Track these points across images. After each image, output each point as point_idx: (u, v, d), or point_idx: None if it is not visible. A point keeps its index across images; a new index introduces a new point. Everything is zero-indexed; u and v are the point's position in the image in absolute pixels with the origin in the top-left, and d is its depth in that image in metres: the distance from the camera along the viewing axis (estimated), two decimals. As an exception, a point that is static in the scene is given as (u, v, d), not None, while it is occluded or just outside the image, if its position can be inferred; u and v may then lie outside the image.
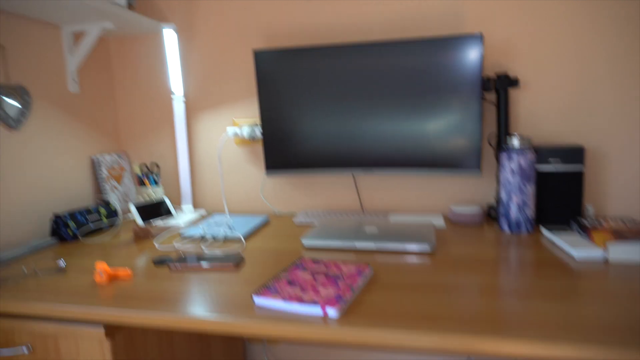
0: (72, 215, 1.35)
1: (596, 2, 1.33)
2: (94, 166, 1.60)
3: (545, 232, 1.21)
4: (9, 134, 1.27)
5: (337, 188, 1.61)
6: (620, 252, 1.00)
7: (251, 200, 1.69)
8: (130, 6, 1.52)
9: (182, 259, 1.09)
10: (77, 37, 1.53)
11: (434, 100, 1.34)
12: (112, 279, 1.01)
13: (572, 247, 1.05)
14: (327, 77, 1.40)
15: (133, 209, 1.33)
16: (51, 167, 1.42)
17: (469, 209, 1.37)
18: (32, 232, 1.35)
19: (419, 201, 1.56)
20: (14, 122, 1.28)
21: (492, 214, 1.41)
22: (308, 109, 1.43)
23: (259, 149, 1.65)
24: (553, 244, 1.14)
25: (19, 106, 1.29)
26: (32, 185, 1.35)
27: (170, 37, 1.55)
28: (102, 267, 1.00)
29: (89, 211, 1.41)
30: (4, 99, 1.24)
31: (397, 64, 1.35)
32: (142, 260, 1.14)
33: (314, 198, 1.64)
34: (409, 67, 1.34)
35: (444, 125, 1.35)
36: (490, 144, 1.46)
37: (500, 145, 1.38)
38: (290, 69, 1.42)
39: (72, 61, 1.49)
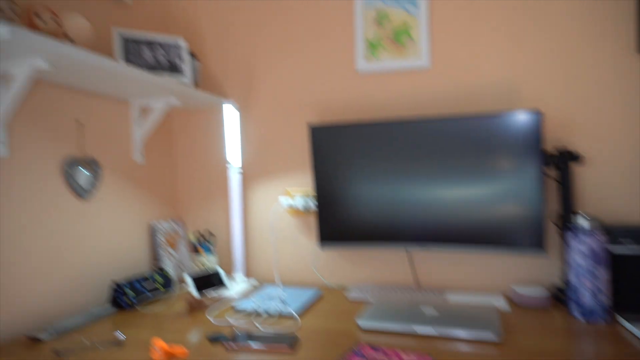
0: (131, 284, 1.37)
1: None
2: (152, 232, 1.65)
3: (624, 322, 1.11)
4: (78, 203, 1.34)
5: (390, 261, 1.57)
6: None
7: (303, 271, 1.67)
8: (195, 83, 1.62)
9: (236, 336, 1.07)
10: (144, 111, 1.63)
11: (492, 176, 1.31)
12: (169, 356, 1.00)
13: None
14: (381, 152, 1.41)
15: (189, 280, 1.34)
16: (112, 233, 1.48)
17: (535, 291, 1.29)
18: (91, 299, 1.38)
19: (478, 278, 1.49)
20: (84, 192, 1.35)
21: (560, 297, 1.32)
22: (361, 182, 1.44)
23: (312, 220, 1.65)
24: (635, 337, 1.04)
25: (90, 177, 1.37)
26: (94, 252, 1.40)
27: (229, 112, 1.63)
28: (159, 344, 0.99)
29: (145, 279, 1.43)
30: (78, 171, 1.32)
31: (452, 139, 1.34)
32: (196, 335, 1.12)
33: (367, 271, 1.60)
34: (465, 143, 1.33)
35: (502, 202, 1.31)
36: (554, 223, 1.40)
37: (565, 224, 1.31)
38: (344, 142, 1.44)
39: (138, 133, 1.58)
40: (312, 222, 1.65)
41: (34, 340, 1.10)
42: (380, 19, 1.53)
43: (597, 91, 1.37)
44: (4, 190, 1.12)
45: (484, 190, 1.32)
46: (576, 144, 1.39)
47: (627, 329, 1.10)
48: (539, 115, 1.25)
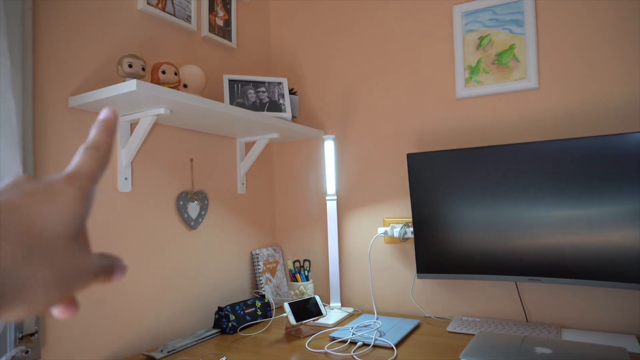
0: (233, 309, 1.45)
1: None
2: (253, 260, 1.73)
3: None
4: (189, 233, 1.46)
5: (496, 292, 1.46)
6: None
7: (400, 300, 1.63)
8: (293, 118, 1.70)
9: (334, 366, 1.07)
10: (248, 145, 1.75)
11: (614, 201, 1.17)
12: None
13: None
14: (483, 176, 1.34)
15: (287, 308, 1.38)
16: (217, 261, 1.58)
17: (674, 333, 1.11)
18: (199, 322, 1.47)
19: (602, 316, 1.32)
20: (194, 223, 1.47)
21: None
22: (462, 208, 1.38)
23: (410, 248, 1.61)
24: None
25: (199, 208, 1.49)
26: (201, 279, 1.50)
27: (329, 144, 1.68)
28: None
29: (246, 304, 1.50)
30: (189, 204, 1.45)
31: (566, 163, 1.23)
32: (294, 363, 1.14)
33: (469, 303, 1.51)
34: (582, 164, 1.21)
35: (628, 230, 1.16)
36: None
37: None
38: (443, 170, 1.40)
39: (242, 167, 1.70)
40: (411, 250, 1.61)
41: (150, 359, 1.20)
42: (482, 42, 1.49)
43: None
44: (126, 222, 1.27)
45: (605, 218, 1.19)
46: None
47: None
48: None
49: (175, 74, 1.23)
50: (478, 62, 1.49)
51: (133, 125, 1.28)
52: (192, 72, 1.31)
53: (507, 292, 1.44)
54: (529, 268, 1.29)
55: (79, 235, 0.29)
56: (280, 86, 1.61)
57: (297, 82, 1.88)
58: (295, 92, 1.75)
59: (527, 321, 1.40)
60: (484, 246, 1.35)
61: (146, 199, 1.32)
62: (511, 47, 1.44)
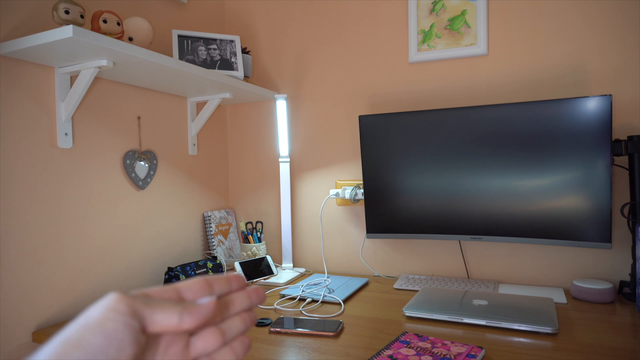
0: (183, 269, 1.44)
1: None
2: (205, 222, 1.71)
3: (700, 320, 1.01)
4: (136, 193, 1.42)
5: (441, 252, 1.53)
6: None
7: (350, 261, 1.67)
8: (245, 77, 1.66)
9: (281, 321, 1.09)
10: (200, 105, 1.70)
11: (554, 163, 1.24)
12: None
13: None
14: (434, 141, 1.38)
15: (238, 267, 1.38)
16: (167, 222, 1.55)
17: (597, 285, 1.21)
18: (147, 283, 1.46)
19: (534, 272, 1.41)
20: (142, 183, 1.43)
21: (626, 292, 1.23)
22: (412, 172, 1.41)
23: (361, 210, 1.65)
24: None
25: (147, 168, 1.45)
26: (150, 239, 1.48)
27: (281, 104, 1.66)
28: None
29: (197, 265, 1.49)
30: (137, 163, 1.40)
31: (512, 127, 1.28)
32: (244, 320, 1.15)
33: (415, 261, 1.57)
34: (526, 131, 1.27)
35: (565, 192, 1.23)
36: (624, 214, 1.30)
37: (636, 215, 1.22)
38: (394, 132, 1.42)
39: (193, 127, 1.65)
40: (361, 212, 1.65)
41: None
42: (435, 7, 1.49)
43: (669, 70, 1.25)
44: (67, 178, 1.21)
45: (545, 180, 1.25)
46: (646, 129, 1.28)
47: (703, 327, 1.00)
48: (609, 101, 1.16)
49: (118, 24, 1.16)
50: (431, 26, 1.50)
51: (73, 78, 1.21)
52: (138, 25, 1.24)
53: (452, 251, 1.51)
54: (471, 228, 1.35)
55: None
56: (233, 44, 1.56)
57: (251, 41, 1.83)
58: (249, 52, 1.71)
59: (469, 278, 1.48)
60: (430, 207, 1.40)
61: (89, 157, 1.27)
62: (463, 13, 1.46)
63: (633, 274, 1.20)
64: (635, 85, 1.29)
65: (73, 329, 0.28)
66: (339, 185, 1.66)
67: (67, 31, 0.94)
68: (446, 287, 1.36)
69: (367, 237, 1.50)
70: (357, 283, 1.43)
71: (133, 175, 1.39)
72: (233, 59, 1.55)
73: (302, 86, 1.73)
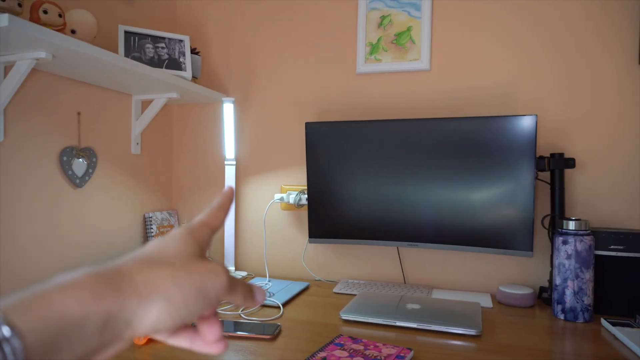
0: (121, 271, 1.40)
1: (653, 83, 1.31)
2: (146, 223, 1.67)
3: (605, 324, 1.12)
4: (73, 191, 1.37)
5: (380, 258, 1.59)
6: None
7: (293, 265, 1.69)
8: (194, 78, 1.65)
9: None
10: (145, 104, 1.66)
11: (484, 178, 1.32)
12: (149, 340, 1.02)
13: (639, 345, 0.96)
14: (375, 150, 1.43)
15: (178, 268, 1.36)
16: (106, 222, 1.50)
17: (519, 290, 1.30)
18: (82, 285, 1.40)
19: (465, 278, 1.50)
20: (80, 181, 1.38)
21: (544, 297, 1.33)
22: (355, 179, 1.45)
23: (304, 215, 1.67)
24: (615, 338, 1.05)
25: (86, 166, 1.40)
26: (86, 239, 1.43)
27: (228, 107, 1.65)
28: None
29: (137, 268, 1.46)
30: (74, 160, 1.35)
31: (447, 141, 1.36)
32: (181, 323, 1.14)
33: (356, 267, 1.61)
34: (459, 144, 1.34)
35: (494, 203, 1.32)
36: (544, 225, 1.41)
37: (555, 226, 1.32)
38: (339, 140, 1.46)
39: (137, 126, 1.61)
40: (305, 217, 1.67)
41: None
42: (383, 21, 1.55)
43: (592, 98, 1.38)
44: None
45: (476, 192, 1.34)
46: (572, 150, 1.40)
47: (606, 329, 1.10)
48: (534, 120, 1.26)
49: (60, 15, 1.12)
50: (378, 40, 1.56)
51: (8, 69, 1.15)
52: (82, 18, 1.20)
53: (390, 257, 1.57)
54: (409, 235, 1.41)
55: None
56: (182, 44, 1.55)
57: (201, 42, 1.81)
58: (198, 53, 1.69)
59: (405, 283, 1.55)
60: (371, 214, 1.45)
61: (22, 151, 1.21)
62: (408, 29, 1.53)
63: (550, 280, 1.31)
64: (559, 107, 1.41)
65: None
66: (284, 190, 1.68)
67: (3, 20, 0.90)
68: (383, 291, 1.41)
69: (310, 242, 1.53)
70: (298, 287, 1.45)
71: (70, 172, 1.34)
72: (182, 59, 1.53)
73: (251, 90, 1.74)
